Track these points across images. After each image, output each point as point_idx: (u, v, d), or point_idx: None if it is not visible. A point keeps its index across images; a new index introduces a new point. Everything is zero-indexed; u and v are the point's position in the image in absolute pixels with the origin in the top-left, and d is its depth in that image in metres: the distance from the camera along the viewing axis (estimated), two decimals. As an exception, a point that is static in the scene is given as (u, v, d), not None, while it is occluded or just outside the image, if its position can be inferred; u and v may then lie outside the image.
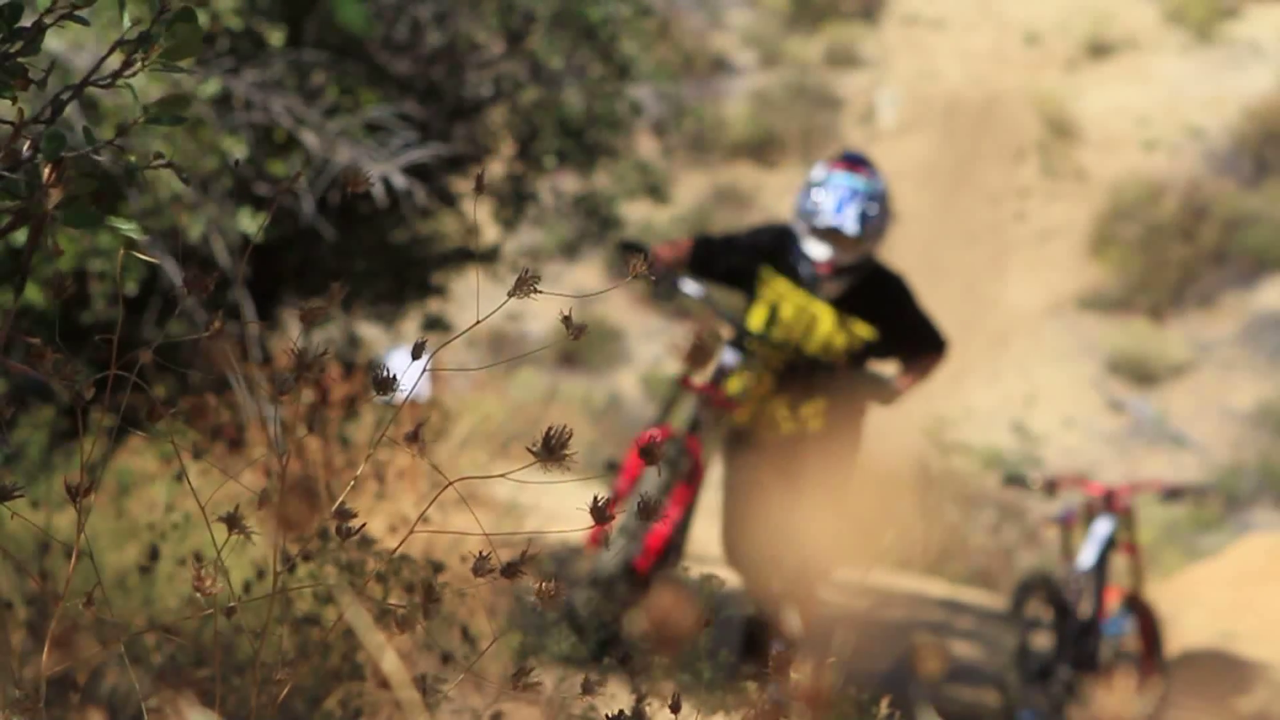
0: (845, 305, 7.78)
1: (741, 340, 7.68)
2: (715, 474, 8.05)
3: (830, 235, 7.68)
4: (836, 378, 7.65)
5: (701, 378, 7.62)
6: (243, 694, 4.63)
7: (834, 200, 7.70)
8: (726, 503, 7.86)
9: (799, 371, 7.70)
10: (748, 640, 7.73)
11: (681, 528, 7.46)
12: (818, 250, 7.71)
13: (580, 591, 7.03)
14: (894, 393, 7.70)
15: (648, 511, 6.95)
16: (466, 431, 8.25)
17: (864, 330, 7.80)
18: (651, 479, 7.18)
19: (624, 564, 7.21)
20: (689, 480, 7.48)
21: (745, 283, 7.88)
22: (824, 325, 7.78)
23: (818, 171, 7.83)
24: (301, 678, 4.68)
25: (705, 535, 8.79)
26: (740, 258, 7.85)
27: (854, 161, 7.84)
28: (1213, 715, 11.59)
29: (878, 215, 7.76)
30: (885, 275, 7.90)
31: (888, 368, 7.93)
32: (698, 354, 7.22)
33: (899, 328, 7.85)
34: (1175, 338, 36.07)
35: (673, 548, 7.41)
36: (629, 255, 7.82)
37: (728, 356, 7.67)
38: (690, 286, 7.70)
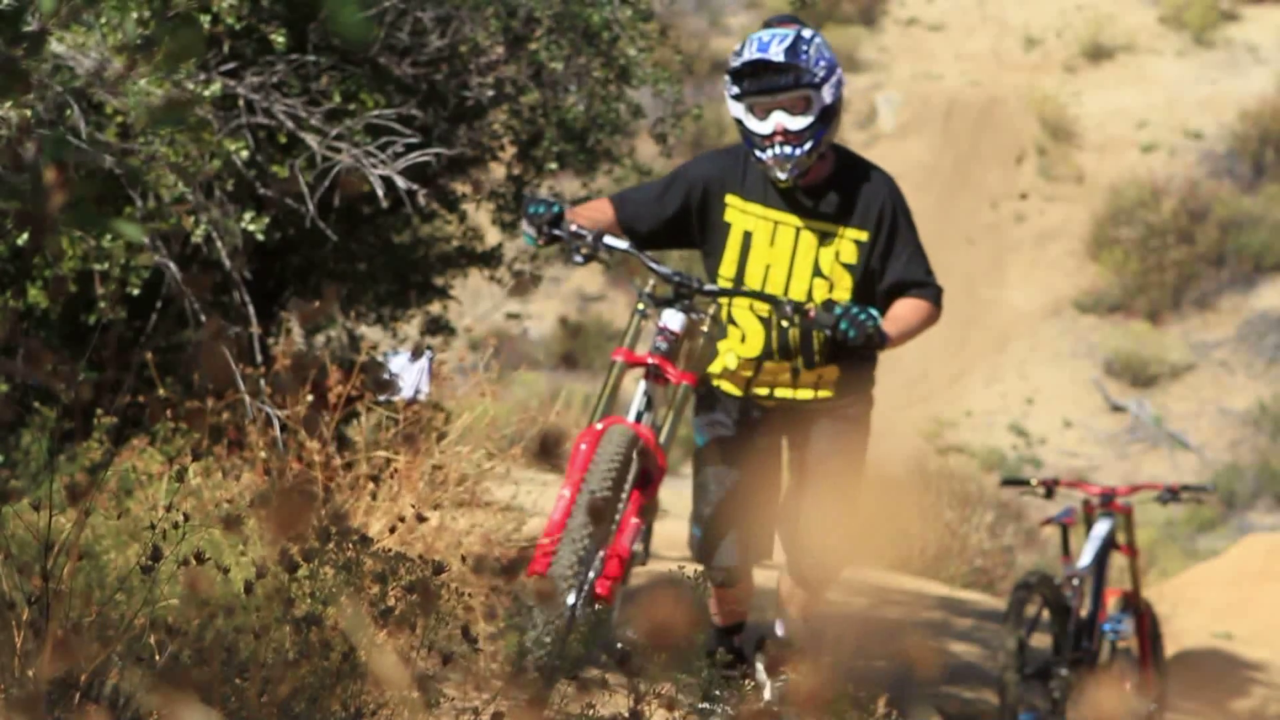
0: (823, 208, 6.59)
1: (683, 295, 6.47)
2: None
3: (759, 82, 6.45)
4: (809, 319, 6.36)
5: (643, 347, 6.48)
6: (244, 694, 4.65)
7: (754, 43, 6.53)
8: (700, 487, 6.73)
9: (779, 324, 6.54)
10: (721, 644, 6.72)
11: (645, 533, 6.40)
12: (760, 124, 6.47)
13: (532, 633, 5.85)
14: (880, 338, 6.39)
15: (602, 535, 6.04)
16: (465, 432, 8.26)
17: (854, 234, 6.58)
18: (597, 483, 6.05)
19: (577, 598, 5.99)
20: (644, 481, 6.27)
21: (697, 227, 6.67)
22: (805, 244, 6.58)
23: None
24: (302, 678, 4.70)
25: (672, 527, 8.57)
26: (683, 196, 6.63)
27: (777, 21, 6.66)
28: (1210, 715, 11.60)
29: (813, 55, 6.51)
30: (869, 168, 6.69)
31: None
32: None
33: (883, 237, 6.60)
34: (1173, 339, 36.09)
35: (633, 557, 6.25)
36: (538, 218, 6.85)
37: (668, 318, 6.45)
38: (616, 241, 6.51)
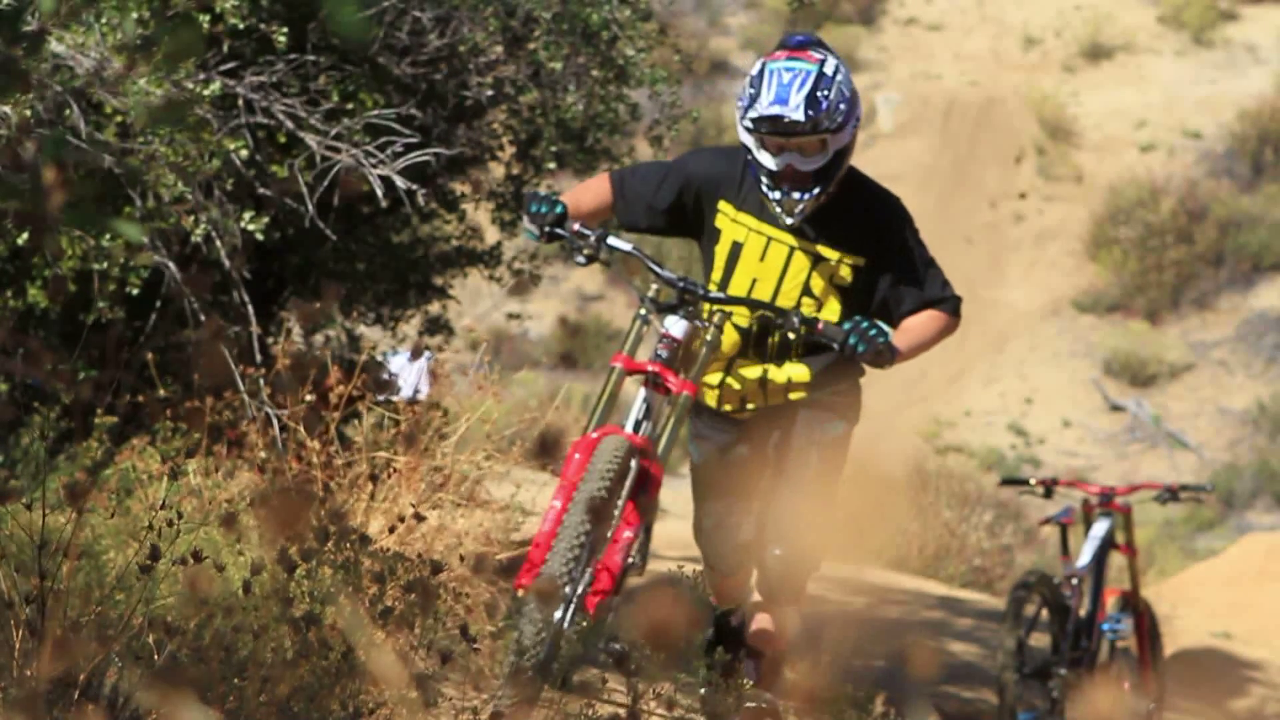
0: (822, 232, 6.33)
1: (688, 302, 6.25)
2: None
3: (774, 128, 6.19)
4: (817, 333, 6.18)
5: (644, 353, 6.25)
6: (242, 693, 4.65)
7: (772, 87, 6.23)
8: (696, 490, 6.62)
9: (769, 331, 6.33)
10: (719, 638, 6.64)
11: (641, 546, 6.08)
12: (771, 160, 6.22)
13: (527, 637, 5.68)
14: (890, 353, 6.20)
15: (593, 547, 5.88)
16: (465, 432, 8.26)
17: (851, 260, 6.35)
18: (591, 491, 5.85)
19: (566, 612, 5.82)
20: (640, 491, 6.06)
21: (693, 224, 6.45)
22: (798, 264, 6.35)
23: (755, 66, 6.37)
24: (300, 677, 4.70)
25: (678, 527, 8.56)
26: (675, 193, 6.40)
27: (797, 45, 6.34)
28: (1209, 714, 11.61)
29: (834, 99, 6.26)
30: (873, 192, 6.44)
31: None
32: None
33: (890, 264, 6.38)
34: (1172, 339, 36.10)
35: (628, 570, 6.04)
36: (541, 217, 6.67)
37: (671, 325, 6.24)
38: (619, 242, 6.30)
